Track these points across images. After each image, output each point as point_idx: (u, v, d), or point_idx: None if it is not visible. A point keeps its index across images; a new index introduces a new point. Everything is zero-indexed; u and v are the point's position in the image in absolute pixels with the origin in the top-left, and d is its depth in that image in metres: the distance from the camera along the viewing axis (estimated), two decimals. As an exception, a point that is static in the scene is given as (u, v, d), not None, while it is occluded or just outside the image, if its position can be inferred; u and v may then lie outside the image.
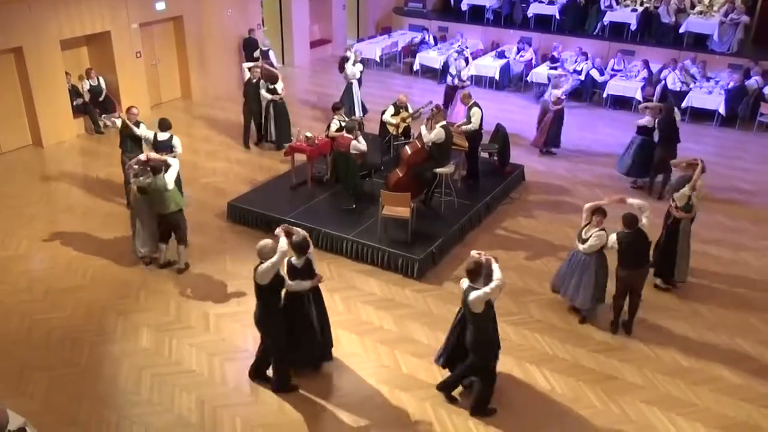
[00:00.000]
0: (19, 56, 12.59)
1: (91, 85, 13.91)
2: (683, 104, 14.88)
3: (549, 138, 12.93)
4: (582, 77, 16.04)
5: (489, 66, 17.23)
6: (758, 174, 12.55)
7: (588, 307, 7.94)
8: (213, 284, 8.83)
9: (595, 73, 16.08)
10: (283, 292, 6.80)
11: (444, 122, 9.86)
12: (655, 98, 14.60)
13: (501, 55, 17.64)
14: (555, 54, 16.76)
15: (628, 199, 8.05)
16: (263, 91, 12.75)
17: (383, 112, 11.99)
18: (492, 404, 6.74)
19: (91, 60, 14.39)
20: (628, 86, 15.51)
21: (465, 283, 6.33)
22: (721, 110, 14.64)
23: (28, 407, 6.47)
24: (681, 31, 16.86)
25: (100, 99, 14.08)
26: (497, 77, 17.08)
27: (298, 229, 6.96)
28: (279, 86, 12.91)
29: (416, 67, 18.32)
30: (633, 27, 17.33)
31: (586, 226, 7.75)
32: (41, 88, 12.94)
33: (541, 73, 16.38)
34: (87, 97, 13.94)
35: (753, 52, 16.49)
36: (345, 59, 13.88)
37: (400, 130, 11.83)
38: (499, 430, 6.55)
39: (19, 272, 9.05)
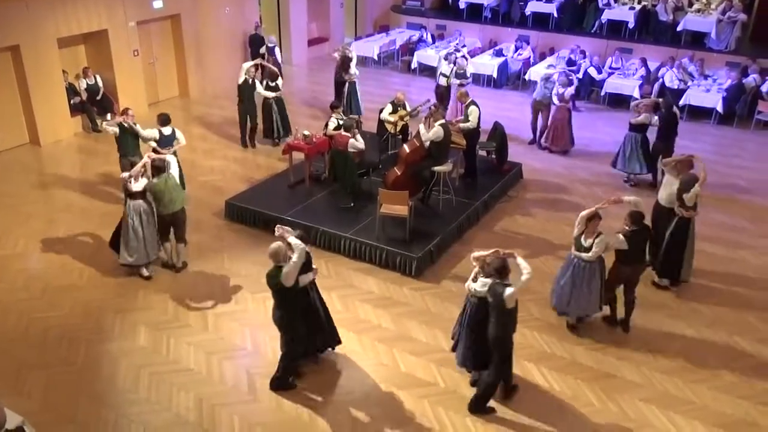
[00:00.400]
0: (16, 54, 12.56)
1: (87, 83, 13.88)
2: (681, 102, 14.90)
3: (570, 137, 13.00)
4: (580, 75, 16.03)
5: (487, 64, 17.22)
6: (756, 172, 12.57)
7: (596, 313, 7.91)
8: (211, 283, 8.82)
9: (593, 71, 16.08)
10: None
11: (443, 120, 9.86)
12: (652, 96, 14.59)
13: (499, 53, 17.64)
14: (572, 57, 16.39)
15: (624, 198, 8.01)
16: (262, 90, 12.73)
17: (381, 111, 11.98)
18: (490, 403, 6.76)
19: (89, 58, 14.35)
20: (626, 84, 15.52)
21: (479, 282, 6.48)
22: (719, 108, 14.65)
23: (26, 406, 6.46)
24: (679, 29, 16.87)
25: (98, 98, 14.05)
26: (495, 75, 17.08)
27: (289, 229, 6.91)
28: (279, 82, 12.98)
29: (414, 65, 18.31)
30: (631, 25, 17.34)
31: (581, 234, 7.54)
32: (38, 87, 12.91)
33: (539, 71, 16.36)
34: (84, 95, 13.91)
35: (750, 50, 16.50)
36: (348, 59, 13.83)
37: (398, 129, 11.81)
38: (497, 428, 6.56)
39: (16, 271, 9.04)
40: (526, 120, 13.68)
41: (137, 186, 8.44)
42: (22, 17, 12.34)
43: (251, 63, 12.88)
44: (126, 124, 9.99)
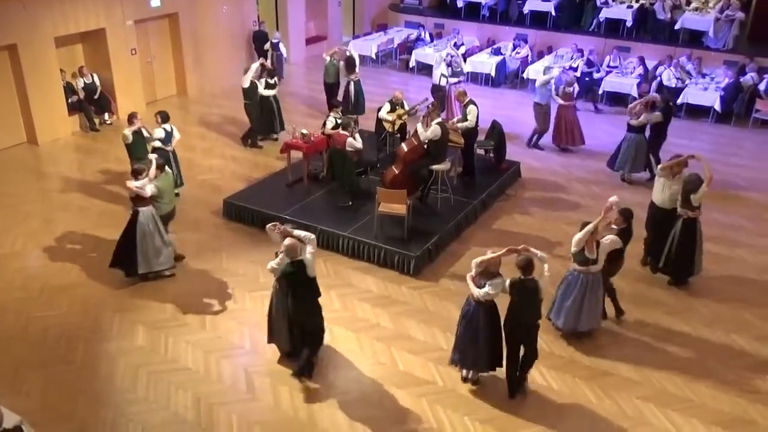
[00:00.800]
0: (13, 53, 12.54)
1: (85, 82, 13.86)
2: (679, 101, 14.93)
3: (581, 134, 13.08)
4: (578, 74, 16.02)
5: (485, 63, 17.23)
6: (754, 170, 12.58)
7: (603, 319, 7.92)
8: (209, 282, 8.82)
9: (579, 63, 16.08)
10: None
11: (440, 119, 9.86)
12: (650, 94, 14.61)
13: (497, 51, 17.63)
14: (591, 58, 16.20)
15: (611, 200, 7.63)
16: (264, 91, 12.75)
17: (379, 109, 11.98)
18: (491, 400, 6.82)
19: (86, 57, 14.33)
20: (624, 83, 15.53)
21: (488, 287, 6.43)
22: (717, 107, 14.67)
23: (24, 405, 6.46)
24: (677, 27, 16.88)
25: (95, 96, 14.02)
26: (493, 74, 17.08)
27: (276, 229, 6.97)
28: (276, 79, 13.10)
29: (412, 64, 18.31)
30: (629, 23, 17.36)
31: (582, 249, 7.30)
32: (36, 86, 12.89)
33: (538, 69, 16.36)
34: (81, 94, 13.89)
35: (748, 48, 16.51)
36: (353, 59, 13.82)
37: (396, 128, 11.81)
38: (495, 426, 6.57)
39: (14, 270, 9.03)
40: (525, 119, 13.69)
41: (151, 190, 8.36)
42: (19, 16, 12.31)
43: (257, 65, 12.86)
44: (143, 130, 10.10)
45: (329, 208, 10.16)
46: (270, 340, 7.32)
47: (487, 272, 6.54)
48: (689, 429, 6.58)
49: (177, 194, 10.04)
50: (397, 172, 9.89)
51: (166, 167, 8.85)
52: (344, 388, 7.06)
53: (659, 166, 8.60)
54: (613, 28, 17.71)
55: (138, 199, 8.31)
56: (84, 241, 9.73)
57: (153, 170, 8.50)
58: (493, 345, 6.77)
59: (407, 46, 19.16)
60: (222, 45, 16.69)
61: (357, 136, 10.07)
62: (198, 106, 15.62)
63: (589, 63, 16.18)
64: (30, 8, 12.43)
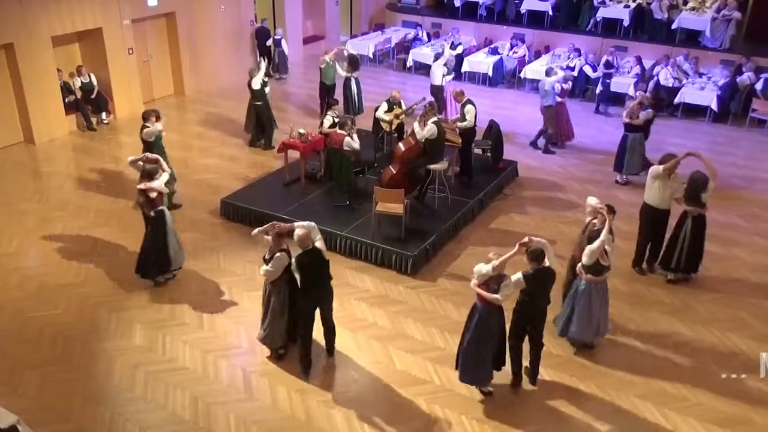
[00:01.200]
0: (10, 53, 12.51)
1: (82, 82, 13.83)
2: (676, 100, 14.96)
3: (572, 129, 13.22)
4: (575, 73, 16.04)
5: (482, 62, 17.24)
6: (750, 170, 12.61)
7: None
8: (206, 281, 8.82)
9: (588, 70, 16.08)
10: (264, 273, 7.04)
11: (436, 118, 9.86)
12: (647, 93, 14.61)
13: (494, 51, 17.65)
14: (610, 59, 15.85)
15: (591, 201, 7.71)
16: (267, 90, 12.80)
17: (376, 109, 11.98)
18: (489, 399, 6.85)
19: (83, 57, 14.31)
20: (621, 82, 15.54)
21: (505, 287, 6.41)
22: (714, 106, 14.69)
23: (21, 405, 6.44)
24: (674, 27, 16.92)
25: (92, 96, 14.00)
26: (490, 74, 17.08)
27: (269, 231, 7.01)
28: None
29: (410, 63, 18.31)
30: (626, 23, 17.37)
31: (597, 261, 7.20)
32: (33, 85, 12.86)
33: (535, 69, 16.39)
34: (78, 94, 13.86)
35: (745, 48, 16.54)
36: (356, 57, 13.77)
37: (394, 127, 11.81)
38: (493, 425, 6.58)
39: (11, 269, 9.01)
40: (522, 118, 13.71)
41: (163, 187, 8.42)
42: (16, 15, 12.29)
43: (264, 64, 12.96)
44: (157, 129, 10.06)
45: (326, 207, 10.16)
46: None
47: (497, 276, 6.43)
48: (686, 428, 6.60)
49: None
50: (394, 171, 9.89)
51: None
52: (342, 387, 7.07)
53: (662, 167, 8.53)
54: (611, 27, 17.73)
55: (157, 200, 8.26)
56: (81, 240, 9.72)
57: (165, 166, 8.57)
58: (501, 345, 6.79)
59: (404, 46, 19.17)
60: (220, 44, 16.68)
61: (354, 136, 10.06)
62: (195, 105, 15.61)
63: (608, 64, 15.74)
64: (27, 7, 12.41)
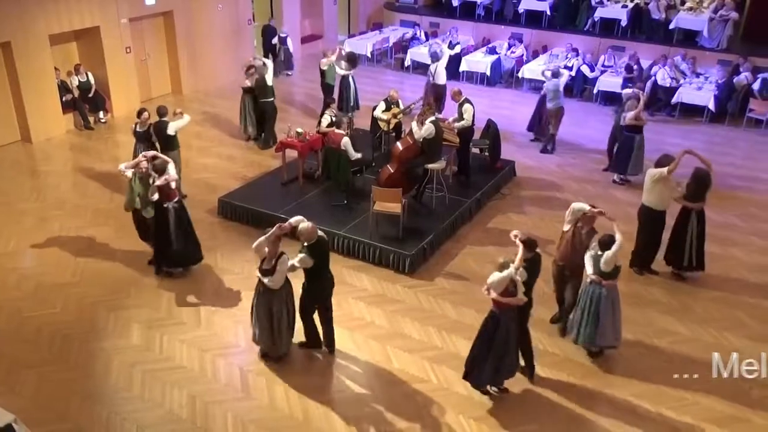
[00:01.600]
0: (7, 51, 12.49)
1: (79, 80, 13.81)
2: (673, 100, 14.98)
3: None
4: (573, 73, 16.06)
5: (480, 62, 17.24)
6: (747, 170, 12.63)
7: None
8: (204, 280, 8.82)
9: (585, 69, 16.11)
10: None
11: (434, 118, 9.87)
12: (645, 93, 14.60)
13: (492, 51, 17.66)
14: (631, 63, 15.57)
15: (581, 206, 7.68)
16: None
17: (374, 108, 11.97)
18: (486, 398, 6.81)
19: (81, 55, 14.29)
20: (619, 82, 15.53)
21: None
22: (711, 106, 14.71)
23: (18, 404, 6.43)
24: (671, 27, 16.94)
25: (90, 95, 13.98)
26: (488, 73, 17.10)
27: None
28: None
29: (407, 63, 18.30)
30: (623, 23, 17.39)
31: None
32: (30, 84, 12.84)
33: (533, 69, 16.39)
34: (76, 93, 13.84)
35: (742, 48, 16.56)
36: (353, 54, 13.78)
37: (391, 126, 11.81)
38: (490, 424, 6.59)
39: (8, 269, 9.00)
40: (520, 118, 13.71)
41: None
42: (13, 14, 12.27)
43: (271, 62, 12.98)
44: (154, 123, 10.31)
45: (324, 206, 10.16)
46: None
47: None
48: (683, 427, 6.61)
49: None
50: (392, 170, 9.90)
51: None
52: (339, 386, 7.08)
53: (667, 170, 8.51)
54: (608, 27, 17.74)
55: (173, 193, 8.45)
56: (78, 239, 9.70)
57: (166, 157, 8.68)
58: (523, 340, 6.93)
59: (402, 45, 19.15)
60: (217, 43, 16.66)
61: (351, 148, 9.97)
62: (193, 104, 15.58)
63: (629, 68, 15.36)
64: (24, 6, 12.39)
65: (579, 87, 16.21)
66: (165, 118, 10.13)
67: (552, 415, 6.72)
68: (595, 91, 15.98)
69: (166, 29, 15.67)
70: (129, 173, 8.50)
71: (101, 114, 14.27)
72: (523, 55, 17.61)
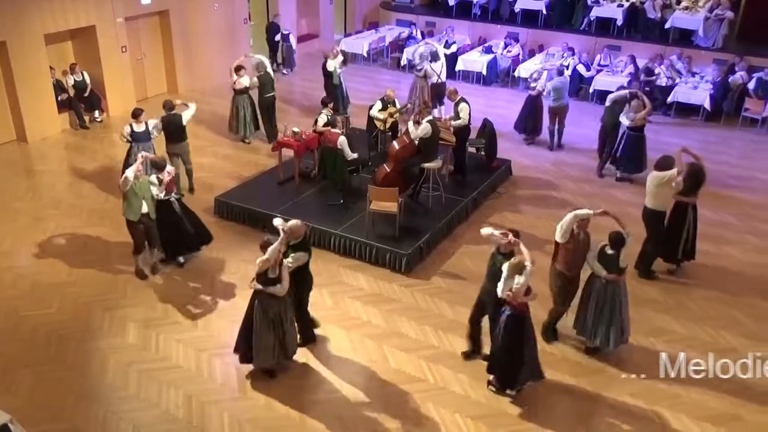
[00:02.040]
0: (2, 51, 12.45)
1: (75, 80, 13.77)
2: (669, 99, 15.01)
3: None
4: (569, 72, 16.07)
5: (476, 61, 17.26)
6: (742, 169, 12.67)
7: None
8: (200, 280, 8.81)
9: (581, 69, 16.13)
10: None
11: (430, 117, 9.88)
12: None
13: (488, 50, 17.67)
14: (650, 66, 15.52)
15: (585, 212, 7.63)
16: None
17: (371, 108, 11.97)
18: (484, 397, 6.82)
19: (76, 55, 14.26)
20: (615, 81, 15.55)
21: (525, 274, 6.32)
22: (707, 105, 14.75)
23: (13, 404, 6.41)
24: (667, 26, 16.95)
25: (85, 94, 13.95)
26: (484, 72, 17.11)
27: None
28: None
29: (404, 62, 18.30)
30: (619, 22, 17.41)
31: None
32: (25, 84, 12.81)
33: (529, 68, 16.39)
34: (71, 92, 13.81)
35: (737, 47, 16.61)
36: (346, 52, 13.82)
37: (388, 126, 11.81)
38: (487, 423, 6.60)
39: (4, 268, 8.98)
40: (516, 117, 13.70)
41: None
42: (8, 13, 12.23)
43: (268, 60, 13.09)
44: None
45: (320, 206, 10.16)
46: (250, 361, 7.08)
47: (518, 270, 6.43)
48: (678, 424, 6.63)
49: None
50: (388, 170, 9.90)
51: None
52: (335, 385, 7.07)
53: (677, 171, 8.45)
54: (604, 26, 17.76)
55: (171, 187, 8.67)
56: (74, 239, 9.69)
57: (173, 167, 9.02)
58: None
59: (399, 45, 19.16)
60: (213, 43, 16.62)
61: (347, 148, 9.96)
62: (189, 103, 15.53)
63: (648, 71, 15.27)
64: (19, 5, 12.35)
65: (575, 86, 16.22)
66: (175, 111, 10.40)
67: (548, 414, 6.73)
68: (591, 91, 16.00)
69: (161, 28, 15.65)
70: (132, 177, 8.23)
71: (97, 113, 14.22)
72: (519, 54, 17.63)
